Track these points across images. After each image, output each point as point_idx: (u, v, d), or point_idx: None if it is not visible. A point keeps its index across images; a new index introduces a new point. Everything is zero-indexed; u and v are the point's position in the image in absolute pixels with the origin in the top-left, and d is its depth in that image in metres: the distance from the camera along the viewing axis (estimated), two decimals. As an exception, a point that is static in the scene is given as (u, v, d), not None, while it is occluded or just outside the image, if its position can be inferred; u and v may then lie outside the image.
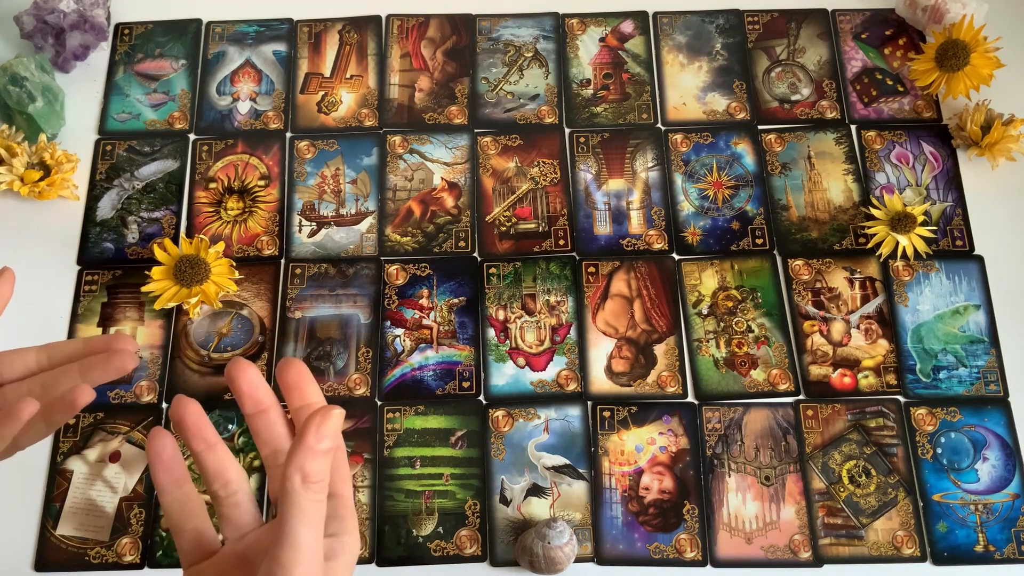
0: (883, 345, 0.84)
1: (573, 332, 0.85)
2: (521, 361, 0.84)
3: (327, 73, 0.97)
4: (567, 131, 0.94)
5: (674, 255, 0.88)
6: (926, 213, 0.89)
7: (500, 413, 0.82)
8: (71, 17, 0.94)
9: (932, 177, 0.92)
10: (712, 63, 0.97)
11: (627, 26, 0.99)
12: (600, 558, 0.78)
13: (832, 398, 0.83)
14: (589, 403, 0.83)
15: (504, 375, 0.84)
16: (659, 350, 0.84)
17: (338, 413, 0.43)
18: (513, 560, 0.77)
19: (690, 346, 0.85)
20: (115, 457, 0.80)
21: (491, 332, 0.85)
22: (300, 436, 0.43)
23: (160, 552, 0.77)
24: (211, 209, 0.91)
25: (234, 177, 0.92)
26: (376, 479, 0.80)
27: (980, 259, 0.88)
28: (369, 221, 0.90)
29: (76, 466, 0.80)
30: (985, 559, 0.77)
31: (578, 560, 0.76)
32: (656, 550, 0.78)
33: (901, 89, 0.96)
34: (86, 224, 0.90)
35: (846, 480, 0.80)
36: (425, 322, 0.86)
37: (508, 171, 0.92)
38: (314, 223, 0.90)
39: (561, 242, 0.89)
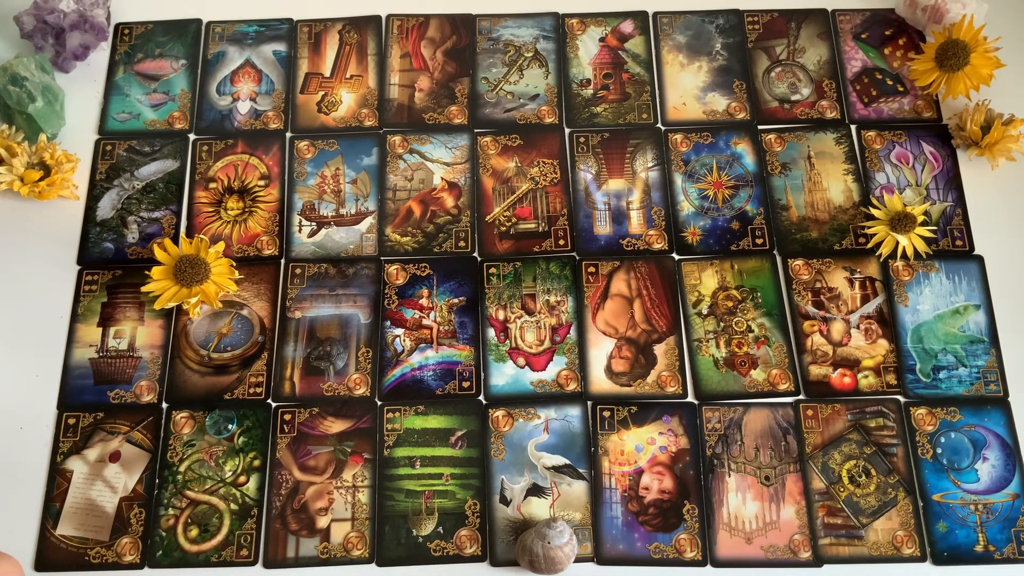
0: (883, 345, 0.84)
1: (573, 332, 0.85)
2: (521, 361, 0.84)
3: (327, 73, 0.97)
4: (567, 131, 0.94)
5: (674, 255, 0.88)
6: (926, 213, 0.89)
7: (500, 413, 0.82)
8: (71, 17, 0.94)
9: (932, 177, 0.92)
10: (712, 63, 0.97)
11: (627, 26, 0.99)
12: (600, 558, 0.78)
13: (832, 398, 0.83)
14: (589, 403, 0.83)
15: (504, 375, 0.84)
16: (659, 350, 0.84)
17: None
18: (513, 560, 0.77)
19: (690, 346, 0.85)
20: (115, 457, 0.80)
21: (491, 332, 0.85)
22: None
23: (160, 552, 0.77)
24: (211, 209, 0.91)
25: (234, 177, 0.92)
26: (376, 479, 0.80)
27: (980, 259, 0.88)
28: (369, 221, 0.90)
29: (76, 466, 0.80)
30: (985, 559, 0.77)
31: (578, 560, 0.76)
32: (656, 550, 0.78)
33: (901, 89, 0.96)
34: (86, 224, 0.90)
35: (846, 480, 0.80)
36: (425, 322, 0.86)
37: (508, 171, 0.92)
38: (314, 223, 0.90)
39: (561, 242, 0.89)
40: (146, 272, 0.84)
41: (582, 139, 0.93)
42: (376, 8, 1.00)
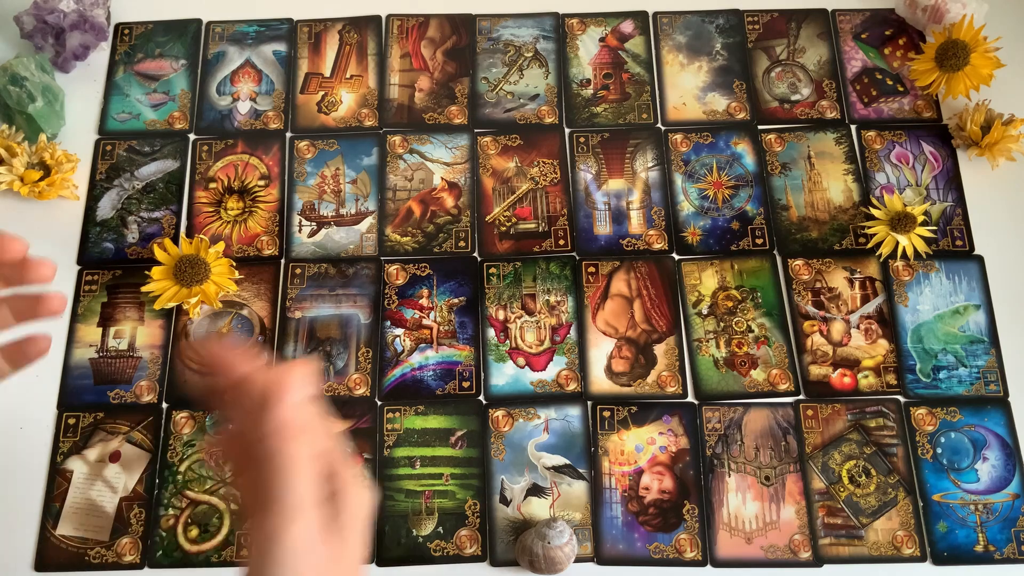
0: (883, 345, 0.84)
1: (573, 332, 0.85)
2: (521, 361, 0.84)
3: (327, 73, 0.97)
4: (567, 131, 0.94)
5: (674, 255, 0.88)
6: (926, 213, 0.89)
7: (500, 413, 0.82)
8: (71, 17, 0.94)
9: (932, 177, 0.92)
10: (712, 63, 0.97)
11: (627, 26, 0.99)
12: (600, 558, 0.78)
13: (832, 398, 0.83)
14: (589, 403, 0.83)
15: (504, 375, 0.84)
16: (659, 350, 0.84)
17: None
18: (513, 560, 0.77)
19: (690, 346, 0.85)
20: (115, 457, 0.80)
21: (491, 332, 0.85)
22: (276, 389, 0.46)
23: (160, 552, 0.77)
24: (211, 209, 0.91)
25: (234, 177, 0.92)
26: (376, 479, 0.80)
27: (980, 259, 0.88)
28: (369, 221, 0.90)
29: (76, 466, 0.80)
30: (985, 559, 0.77)
31: (578, 560, 0.76)
32: (656, 550, 0.78)
33: (901, 89, 0.96)
34: (86, 224, 0.90)
35: (846, 480, 0.80)
36: (425, 322, 0.86)
37: (508, 171, 0.92)
38: (314, 223, 0.90)
39: (561, 242, 0.89)
40: (146, 272, 0.84)
41: (582, 139, 0.93)
42: (376, 8, 1.00)
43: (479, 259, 0.88)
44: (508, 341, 0.85)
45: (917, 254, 0.86)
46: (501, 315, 0.86)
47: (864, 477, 0.80)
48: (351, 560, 0.47)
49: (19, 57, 0.92)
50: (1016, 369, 0.83)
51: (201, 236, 0.86)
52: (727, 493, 0.79)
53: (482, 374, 0.84)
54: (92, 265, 0.88)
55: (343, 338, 0.85)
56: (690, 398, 0.83)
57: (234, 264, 0.86)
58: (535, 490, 0.80)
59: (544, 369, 0.84)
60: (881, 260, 0.87)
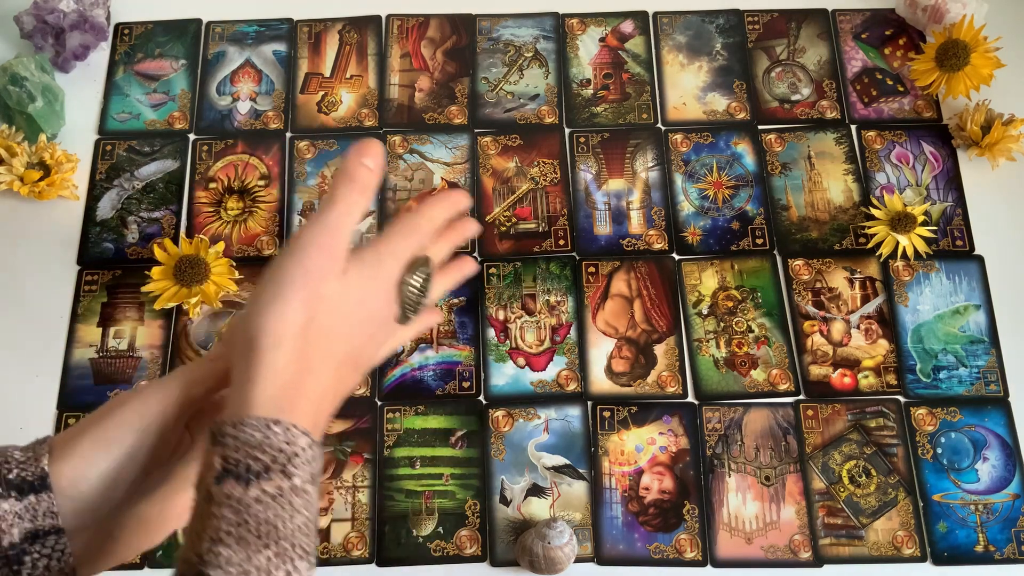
0: (883, 345, 0.84)
1: (573, 332, 0.85)
2: (521, 361, 0.84)
3: (327, 73, 0.97)
4: (567, 131, 0.94)
5: (674, 255, 0.88)
6: (926, 213, 0.89)
7: (500, 413, 0.82)
8: (71, 17, 0.94)
9: (932, 177, 0.92)
10: (712, 63, 0.97)
11: (627, 26, 0.99)
12: (600, 558, 0.78)
13: (832, 398, 0.83)
14: (589, 403, 0.83)
15: (504, 375, 0.84)
16: (659, 350, 0.84)
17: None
18: (513, 560, 0.77)
19: (690, 346, 0.85)
20: (115, 457, 0.80)
21: (491, 332, 0.85)
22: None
23: (160, 552, 0.77)
24: (211, 209, 0.91)
25: (234, 177, 0.92)
26: (376, 479, 0.80)
27: (980, 259, 0.88)
28: (369, 221, 0.90)
29: (76, 466, 0.80)
30: (985, 559, 0.77)
31: (578, 560, 0.76)
32: (656, 550, 0.78)
33: (901, 89, 0.96)
34: (86, 224, 0.90)
35: (846, 480, 0.80)
36: (425, 322, 0.85)
37: (508, 171, 0.92)
38: (314, 223, 0.90)
39: (561, 242, 0.89)
40: (146, 272, 0.84)
41: (582, 139, 0.93)
42: (376, 8, 1.00)
43: (479, 259, 0.88)
44: (508, 341, 0.85)
45: (917, 254, 0.86)
46: (501, 315, 0.86)
47: (864, 477, 0.80)
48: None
49: (19, 57, 0.92)
50: (1016, 369, 0.83)
51: (201, 236, 0.86)
52: (727, 493, 0.79)
53: (482, 374, 0.84)
54: (92, 265, 0.88)
55: (343, 338, 0.85)
56: (690, 398, 0.83)
57: (234, 264, 0.86)
58: (535, 490, 0.80)
59: (544, 369, 0.84)
60: (881, 260, 0.87)
